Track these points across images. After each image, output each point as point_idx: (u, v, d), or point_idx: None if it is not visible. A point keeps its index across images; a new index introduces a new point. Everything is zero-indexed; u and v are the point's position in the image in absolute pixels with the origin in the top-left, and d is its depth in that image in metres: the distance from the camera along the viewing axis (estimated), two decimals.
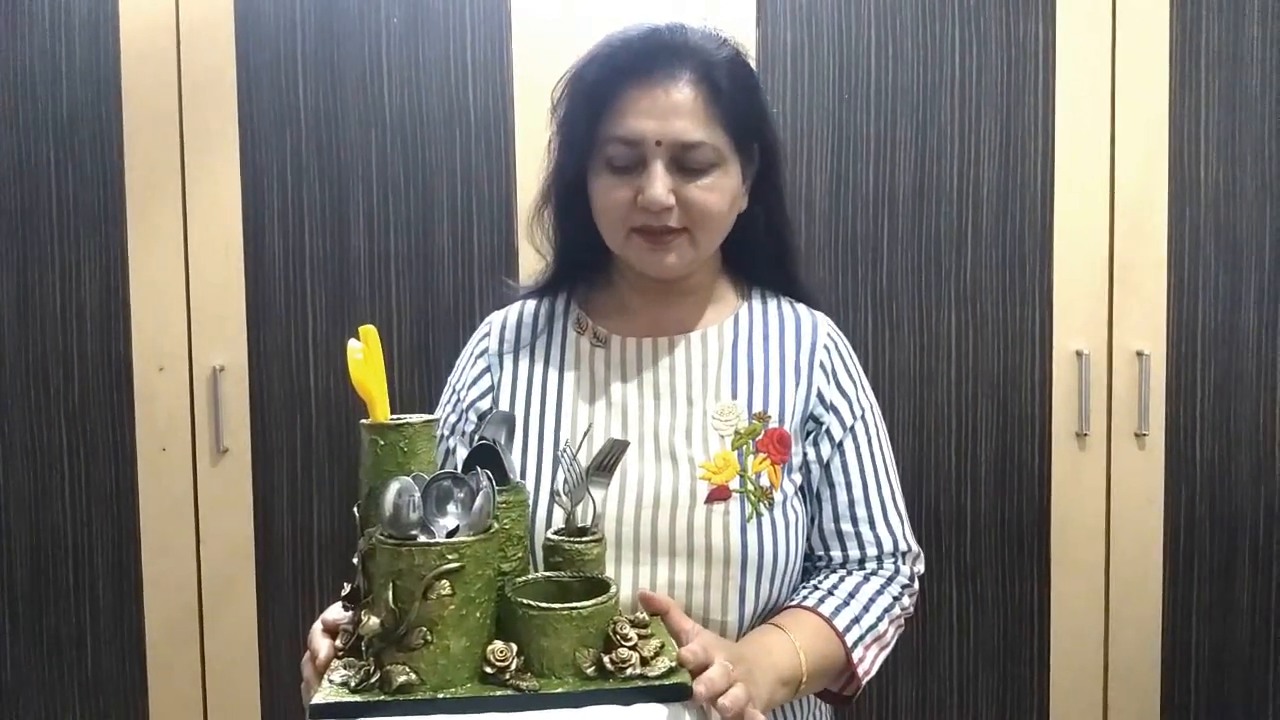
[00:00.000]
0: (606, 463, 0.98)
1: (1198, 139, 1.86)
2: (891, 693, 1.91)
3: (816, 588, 1.09)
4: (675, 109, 1.01)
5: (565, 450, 0.99)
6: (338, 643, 0.88)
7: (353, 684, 0.81)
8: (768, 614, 1.06)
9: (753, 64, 1.10)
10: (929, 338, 1.88)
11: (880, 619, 1.08)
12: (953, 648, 1.91)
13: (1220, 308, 1.88)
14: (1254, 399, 1.89)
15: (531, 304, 1.19)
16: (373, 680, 0.80)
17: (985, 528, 1.90)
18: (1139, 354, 1.86)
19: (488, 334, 1.19)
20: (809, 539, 1.12)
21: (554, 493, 0.97)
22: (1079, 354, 1.86)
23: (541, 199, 1.15)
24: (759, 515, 1.04)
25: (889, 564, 1.12)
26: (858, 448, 1.12)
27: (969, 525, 1.89)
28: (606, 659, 0.82)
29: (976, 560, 1.90)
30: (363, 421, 0.90)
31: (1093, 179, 1.86)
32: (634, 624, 0.86)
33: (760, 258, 1.17)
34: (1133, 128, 1.85)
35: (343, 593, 0.91)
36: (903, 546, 1.13)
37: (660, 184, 1.01)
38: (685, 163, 1.02)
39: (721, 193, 1.04)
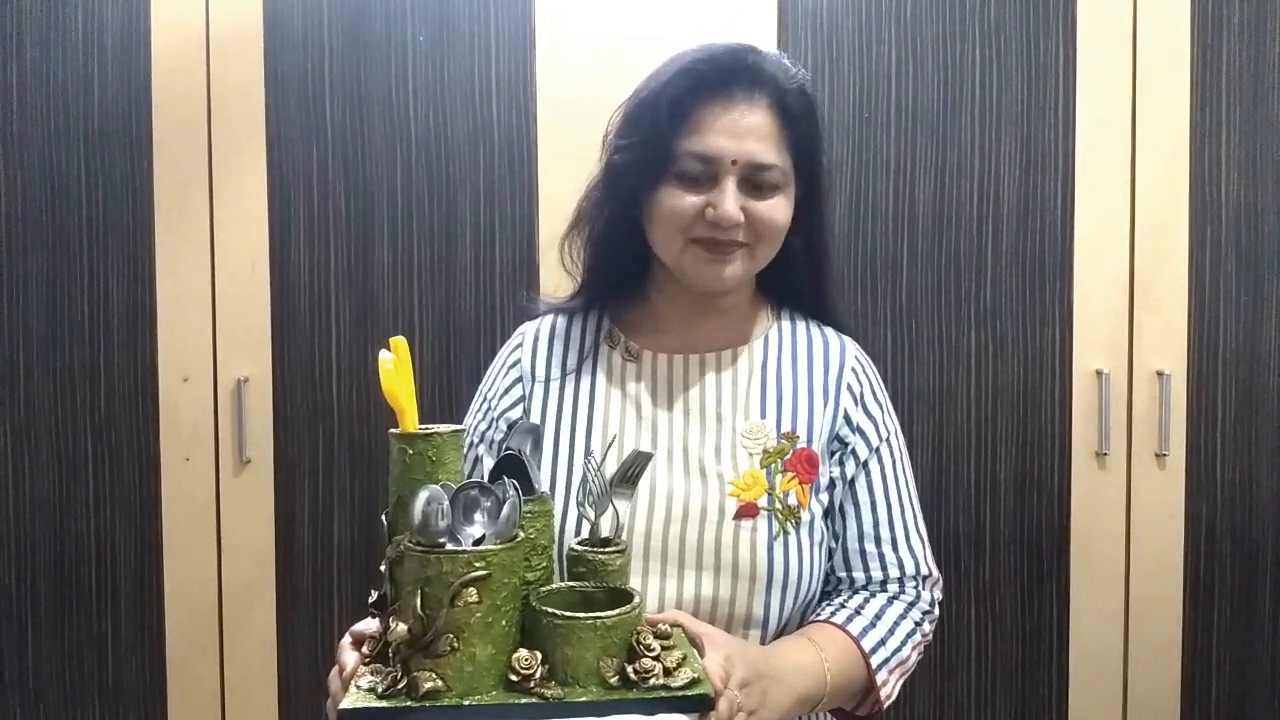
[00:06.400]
0: (630, 474, 0.99)
1: (1218, 159, 1.86)
2: (909, 712, 1.90)
3: (844, 606, 1.09)
4: (751, 130, 1.04)
5: (589, 460, 1.00)
6: (365, 649, 0.89)
7: (380, 690, 0.81)
8: (785, 630, 1.07)
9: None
10: (949, 356, 1.88)
11: (904, 644, 1.08)
12: (971, 667, 1.90)
13: (1241, 327, 1.87)
14: (1275, 419, 1.88)
15: (564, 318, 1.20)
16: (400, 686, 0.81)
17: (1004, 547, 1.89)
18: (1159, 373, 1.86)
19: (520, 345, 1.19)
20: (831, 559, 1.12)
21: (578, 503, 0.98)
22: (1099, 373, 1.86)
23: (585, 216, 1.15)
24: (785, 533, 1.05)
25: (910, 588, 1.12)
26: (882, 470, 1.12)
27: (988, 544, 1.89)
28: (630, 669, 0.83)
29: (995, 579, 1.89)
30: (392, 431, 0.91)
31: (1113, 198, 1.86)
32: (657, 634, 0.87)
33: (795, 281, 1.18)
34: (1153, 147, 1.85)
35: (370, 600, 0.92)
36: (924, 571, 1.13)
37: (732, 201, 1.03)
38: (755, 182, 1.05)
39: (784, 212, 1.08)
